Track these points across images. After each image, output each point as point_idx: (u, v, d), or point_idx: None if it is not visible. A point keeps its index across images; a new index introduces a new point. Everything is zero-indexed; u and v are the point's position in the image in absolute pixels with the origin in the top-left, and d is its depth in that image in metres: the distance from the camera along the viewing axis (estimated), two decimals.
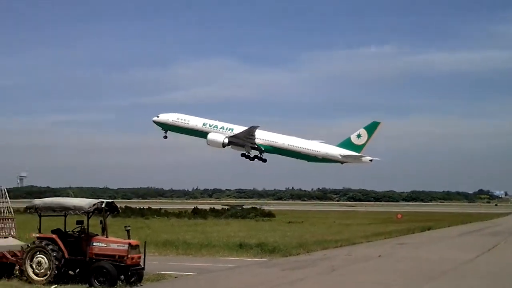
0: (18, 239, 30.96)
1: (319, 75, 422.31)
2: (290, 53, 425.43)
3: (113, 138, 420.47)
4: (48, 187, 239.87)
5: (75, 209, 27.52)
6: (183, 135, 65.28)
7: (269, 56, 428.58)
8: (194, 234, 56.44)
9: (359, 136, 60.52)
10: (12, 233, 30.96)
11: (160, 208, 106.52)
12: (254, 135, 61.28)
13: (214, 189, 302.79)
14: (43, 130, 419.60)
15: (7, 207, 31.33)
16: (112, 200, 29.99)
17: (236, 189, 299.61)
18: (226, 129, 62.67)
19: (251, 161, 63.67)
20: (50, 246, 26.85)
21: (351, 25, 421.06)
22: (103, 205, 27.74)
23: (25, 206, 30.88)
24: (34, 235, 28.10)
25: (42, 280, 26.61)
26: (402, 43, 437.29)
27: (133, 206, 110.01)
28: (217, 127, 62.98)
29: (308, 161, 63.20)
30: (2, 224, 30.57)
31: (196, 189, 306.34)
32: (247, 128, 60.86)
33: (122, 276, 26.29)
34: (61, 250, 26.91)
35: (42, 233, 27.91)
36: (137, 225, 63.04)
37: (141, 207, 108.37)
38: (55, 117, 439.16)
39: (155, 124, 64.67)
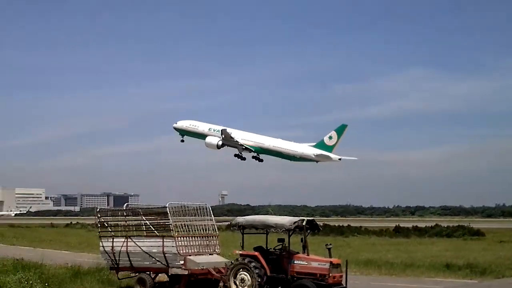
0: (222, 256, 32.54)
1: None
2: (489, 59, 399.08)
3: None
4: (247, 204, 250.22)
5: (277, 227, 28.24)
6: (196, 139, 74.03)
7: (467, 63, 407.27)
8: (397, 253, 55.25)
9: (330, 137, 67.66)
10: (216, 250, 32.61)
11: (360, 226, 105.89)
12: (232, 137, 70.16)
13: (416, 206, 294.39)
14: None
15: (211, 224, 33.04)
16: (312, 218, 30.33)
17: (440, 206, 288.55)
18: (224, 132, 70.72)
19: (243, 160, 72.78)
20: (253, 264, 27.78)
21: None
22: (303, 223, 28.12)
23: (227, 223, 32.34)
24: (237, 252, 29.27)
25: None
26: None
27: (331, 223, 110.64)
28: (218, 131, 71.05)
29: (290, 160, 70.56)
30: (207, 241, 32.32)
31: (397, 206, 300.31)
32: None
33: None
34: (263, 267, 27.70)
35: (245, 251, 29.01)
36: (336, 243, 63.17)
37: (340, 224, 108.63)
38: None
39: (174, 130, 74.65)
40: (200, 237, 32.08)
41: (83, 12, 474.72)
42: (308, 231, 28.86)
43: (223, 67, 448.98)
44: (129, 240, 32.07)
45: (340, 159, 68.41)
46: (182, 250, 30.54)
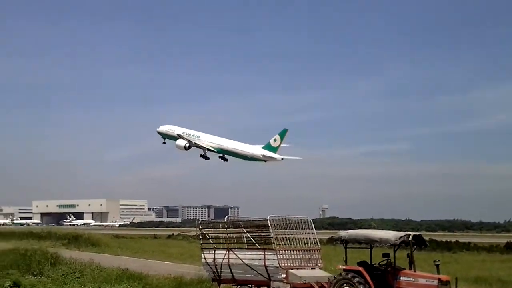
0: (325, 271, 32.33)
1: None
2: None
3: (409, 168, 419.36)
4: (349, 218, 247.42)
5: (381, 242, 27.76)
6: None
7: None
8: (509, 271, 52.80)
9: (275, 140, 76.64)
10: (318, 264, 32.47)
11: (468, 242, 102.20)
12: (185, 136, 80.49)
13: None
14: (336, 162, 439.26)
15: (313, 238, 32.94)
16: (419, 233, 29.61)
17: None
18: (194, 136, 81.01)
19: (207, 160, 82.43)
20: (357, 279, 27.41)
21: None
22: (410, 238, 27.50)
23: (328, 237, 32.12)
24: (340, 267, 29.00)
25: None
26: None
27: (438, 239, 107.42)
28: (189, 135, 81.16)
29: (244, 160, 79.55)
30: (310, 255, 32.24)
31: (509, 221, 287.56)
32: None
33: None
34: (367, 283, 27.28)
35: (348, 265, 28.68)
36: (444, 259, 61.04)
37: (448, 240, 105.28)
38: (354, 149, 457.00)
39: (157, 134, 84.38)
40: (302, 250, 32.09)
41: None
42: (415, 246, 28.16)
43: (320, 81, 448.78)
44: (230, 252, 32.52)
45: (282, 159, 77.82)
46: (284, 263, 30.64)
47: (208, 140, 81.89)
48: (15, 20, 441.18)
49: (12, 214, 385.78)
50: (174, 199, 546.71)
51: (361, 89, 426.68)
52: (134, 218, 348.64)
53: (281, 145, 77.04)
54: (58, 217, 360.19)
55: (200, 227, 35.56)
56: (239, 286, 32.76)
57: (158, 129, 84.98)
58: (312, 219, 34.68)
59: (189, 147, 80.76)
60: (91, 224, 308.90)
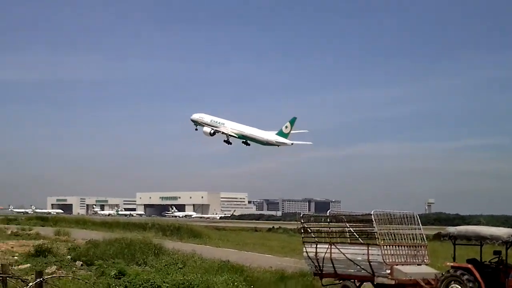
0: (431, 267, 31.53)
1: None
2: None
3: None
4: (457, 214, 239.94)
5: (492, 239, 26.78)
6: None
7: None
8: None
9: (286, 127, 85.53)
10: (425, 260, 31.70)
11: None
12: (212, 123, 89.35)
13: None
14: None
15: (419, 233, 32.19)
16: None
17: None
18: (220, 123, 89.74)
19: (229, 145, 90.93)
20: (466, 277, 26.55)
21: None
22: None
23: (435, 233, 31.29)
24: (448, 264, 28.19)
25: None
26: None
27: None
28: (216, 122, 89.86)
29: (261, 144, 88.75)
30: (416, 251, 31.53)
31: None
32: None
33: None
34: (477, 281, 26.38)
35: (457, 262, 27.84)
36: None
37: None
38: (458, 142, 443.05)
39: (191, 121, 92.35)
40: (407, 246, 31.44)
41: None
42: None
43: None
44: (333, 246, 32.36)
45: (292, 144, 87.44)
46: (389, 259, 30.15)
47: (231, 127, 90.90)
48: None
49: (117, 205, 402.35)
50: (274, 192, 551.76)
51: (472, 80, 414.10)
52: (234, 210, 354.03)
53: (292, 131, 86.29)
54: (160, 209, 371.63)
55: (302, 221, 35.57)
56: (341, 281, 32.54)
57: (191, 117, 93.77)
58: (418, 214, 33.88)
59: (214, 133, 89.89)
60: (192, 216, 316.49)
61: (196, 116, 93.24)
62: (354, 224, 32.90)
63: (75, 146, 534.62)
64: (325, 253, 32.54)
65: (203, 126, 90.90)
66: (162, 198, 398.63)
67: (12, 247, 51.00)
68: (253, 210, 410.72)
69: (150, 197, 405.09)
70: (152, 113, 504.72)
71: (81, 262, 41.95)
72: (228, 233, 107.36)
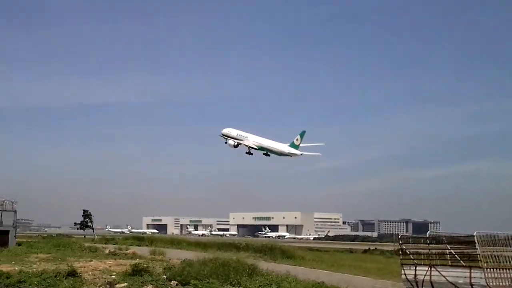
0: None
1: None
2: None
3: None
4: None
5: None
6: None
7: None
8: None
9: (297, 139, 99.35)
10: None
11: None
12: (237, 137, 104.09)
13: None
14: None
15: None
16: None
17: None
18: (243, 137, 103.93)
19: (251, 155, 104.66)
20: None
21: None
22: None
23: None
24: None
25: None
26: None
27: None
28: (241, 136, 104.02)
29: (278, 155, 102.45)
30: None
31: None
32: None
33: None
34: None
35: None
36: None
37: None
38: None
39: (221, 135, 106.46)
40: None
41: None
42: None
43: None
44: (433, 269, 31.58)
45: (301, 154, 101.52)
46: (492, 282, 29.16)
47: (253, 140, 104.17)
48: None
49: (210, 225, 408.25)
50: (370, 213, 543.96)
51: None
52: (328, 231, 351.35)
53: (301, 144, 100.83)
54: (253, 229, 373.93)
55: (400, 242, 34.90)
56: None
57: (221, 132, 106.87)
58: None
59: (237, 145, 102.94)
60: (285, 237, 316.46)
61: (225, 131, 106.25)
62: (455, 246, 32.00)
63: (170, 167, 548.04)
64: (425, 275, 31.81)
65: (230, 139, 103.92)
66: (255, 218, 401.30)
67: (110, 266, 52.55)
68: (347, 231, 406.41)
69: (243, 218, 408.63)
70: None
71: (176, 282, 42.76)
72: (322, 254, 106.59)
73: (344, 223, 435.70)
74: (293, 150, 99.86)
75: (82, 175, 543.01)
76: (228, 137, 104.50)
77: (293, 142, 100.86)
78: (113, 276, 46.07)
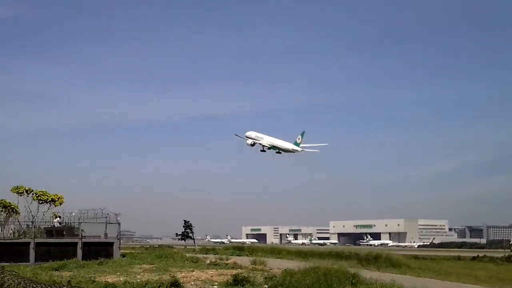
0: None
1: None
2: None
3: None
4: None
5: None
6: None
7: None
8: None
9: (298, 138, 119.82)
10: None
11: None
12: (256, 138, 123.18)
13: None
14: None
15: None
16: None
17: None
18: (259, 138, 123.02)
19: (264, 152, 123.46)
20: None
21: None
22: None
23: None
24: None
25: None
26: None
27: None
28: (258, 137, 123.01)
29: (286, 152, 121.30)
30: None
31: None
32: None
33: None
34: None
35: None
36: None
37: None
38: None
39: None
40: None
41: None
42: None
43: None
44: None
45: (302, 150, 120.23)
46: None
47: (267, 140, 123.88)
48: None
49: (310, 234, 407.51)
50: (477, 219, 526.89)
51: None
52: (434, 238, 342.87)
53: (302, 143, 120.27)
54: (354, 237, 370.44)
55: (511, 249, 33.58)
56: None
57: (245, 133, 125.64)
58: None
59: (253, 144, 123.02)
60: (388, 245, 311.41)
61: (247, 133, 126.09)
62: None
63: (270, 176, 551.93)
64: None
65: (248, 139, 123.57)
66: (356, 226, 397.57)
67: (211, 276, 53.33)
68: (454, 237, 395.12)
69: (344, 226, 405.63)
70: (348, 139, 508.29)
71: None
72: (428, 262, 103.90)
73: (450, 229, 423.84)
74: (295, 147, 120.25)
75: (183, 187, 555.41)
76: (249, 137, 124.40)
77: (296, 140, 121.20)
78: (215, 286, 46.77)
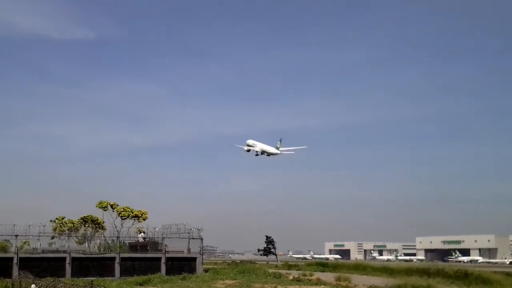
0: None
1: None
2: None
3: None
4: None
5: None
6: None
7: None
8: None
9: (278, 144, 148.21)
10: None
11: None
12: (252, 145, 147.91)
13: None
14: None
15: None
16: None
17: None
18: (254, 144, 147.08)
19: (258, 156, 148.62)
20: None
21: None
22: None
23: None
24: None
25: None
26: None
27: None
28: (253, 143, 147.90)
29: (271, 155, 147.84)
30: None
31: None
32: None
33: None
34: None
35: None
36: None
37: None
38: None
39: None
40: None
41: None
42: None
43: None
44: None
45: (281, 153, 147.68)
46: None
47: (260, 146, 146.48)
48: None
49: (395, 250, 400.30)
50: None
51: None
52: None
53: (280, 148, 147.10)
54: (442, 253, 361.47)
55: None
56: None
57: (246, 141, 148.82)
58: None
59: (248, 150, 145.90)
60: (478, 261, 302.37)
61: (247, 141, 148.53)
62: None
63: (352, 189, 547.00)
64: None
65: (245, 146, 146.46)
66: (444, 242, 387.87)
67: None
68: None
69: (431, 242, 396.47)
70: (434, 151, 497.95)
71: None
72: None
73: None
74: (276, 151, 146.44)
75: (264, 202, 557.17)
76: (247, 145, 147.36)
77: (277, 145, 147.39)
78: None
